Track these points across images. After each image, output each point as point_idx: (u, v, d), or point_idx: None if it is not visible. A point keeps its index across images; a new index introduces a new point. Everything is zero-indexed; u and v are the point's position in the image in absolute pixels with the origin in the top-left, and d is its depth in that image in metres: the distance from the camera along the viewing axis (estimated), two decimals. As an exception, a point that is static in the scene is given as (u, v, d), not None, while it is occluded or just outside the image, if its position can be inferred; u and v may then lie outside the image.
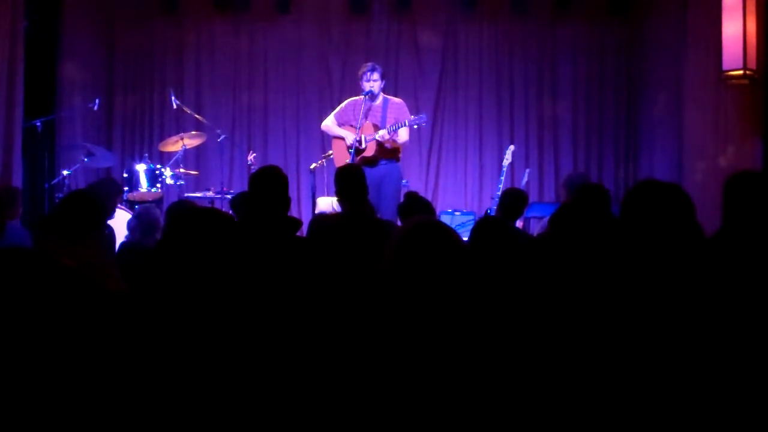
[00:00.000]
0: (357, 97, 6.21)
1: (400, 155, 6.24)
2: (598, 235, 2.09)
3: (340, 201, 3.98)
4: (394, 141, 6.03)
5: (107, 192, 5.18)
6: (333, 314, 2.48)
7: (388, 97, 6.29)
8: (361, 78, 6.15)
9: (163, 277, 1.79)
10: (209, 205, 7.30)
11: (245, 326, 1.80)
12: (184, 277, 1.77)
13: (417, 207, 4.38)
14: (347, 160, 5.91)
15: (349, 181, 3.93)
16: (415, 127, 6.22)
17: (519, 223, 7.33)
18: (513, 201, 4.82)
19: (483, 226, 3.24)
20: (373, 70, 6.11)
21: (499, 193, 6.95)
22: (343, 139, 6.13)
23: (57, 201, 3.10)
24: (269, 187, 3.28)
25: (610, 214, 2.27)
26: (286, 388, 1.72)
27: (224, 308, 1.78)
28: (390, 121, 6.06)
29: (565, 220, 2.16)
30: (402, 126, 6.01)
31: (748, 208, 2.54)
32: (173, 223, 1.86)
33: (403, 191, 6.18)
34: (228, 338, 1.74)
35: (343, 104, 6.38)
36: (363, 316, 1.82)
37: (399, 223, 4.80)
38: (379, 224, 3.92)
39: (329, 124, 6.33)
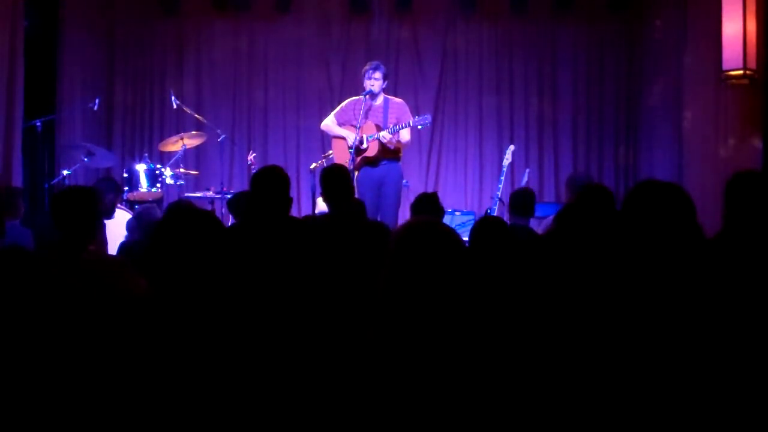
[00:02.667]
0: (357, 97, 6.20)
1: (401, 155, 6.23)
2: (605, 234, 2.09)
3: (325, 201, 3.98)
4: (398, 141, 6.03)
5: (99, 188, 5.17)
6: (326, 313, 2.48)
7: (389, 97, 6.28)
8: (364, 75, 6.14)
9: (153, 278, 1.80)
10: (209, 205, 7.31)
11: (243, 325, 1.79)
12: (171, 278, 1.76)
13: (427, 208, 4.41)
14: (347, 160, 5.91)
15: (334, 181, 3.93)
16: (419, 127, 6.22)
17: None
18: (524, 200, 4.84)
19: (483, 226, 3.25)
20: (376, 68, 6.10)
21: (499, 194, 6.96)
22: (343, 138, 6.12)
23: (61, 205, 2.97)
24: (271, 187, 3.28)
25: (616, 214, 2.27)
26: (284, 387, 1.72)
27: (216, 306, 1.77)
28: (391, 121, 6.05)
29: (572, 219, 2.16)
30: (405, 127, 6.00)
31: (749, 208, 2.53)
32: (160, 226, 1.86)
33: (404, 191, 6.18)
34: (223, 338, 1.74)
35: (343, 104, 6.37)
36: (356, 315, 1.82)
37: (400, 222, 4.80)
38: (366, 225, 3.91)
39: (329, 123, 6.31)
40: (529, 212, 4.81)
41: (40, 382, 1.75)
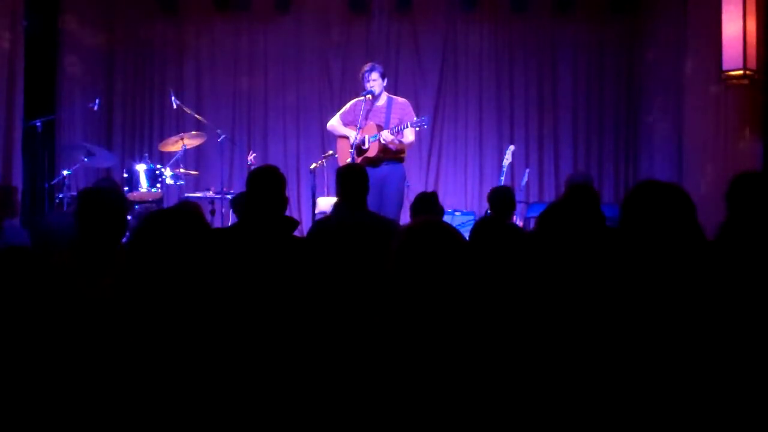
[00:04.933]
0: (361, 98, 6.20)
1: (404, 156, 6.21)
2: (587, 233, 2.09)
3: (342, 200, 3.95)
4: (401, 142, 6.00)
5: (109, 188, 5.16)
6: (333, 312, 2.48)
7: (393, 96, 6.26)
8: (362, 78, 6.14)
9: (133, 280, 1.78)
10: (210, 205, 7.30)
11: (237, 327, 1.79)
12: (153, 279, 1.76)
13: (427, 208, 4.39)
14: (348, 160, 5.90)
15: (350, 180, 3.91)
16: (417, 129, 6.21)
17: (519, 223, 7.35)
18: (504, 198, 4.78)
19: (483, 226, 3.24)
20: (372, 69, 6.10)
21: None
22: (347, 138, 6.13)
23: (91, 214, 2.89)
24: (266, 187, 3.28)
25: (600, 213, 2.26)
26: (284, 388, 1.72)
27: (205, 307, 1.77)
28: (394, 121, 6.04)
29: (553, 218, 2.15)
30: (404, 127, 5.98)
31: (752, 208, 2.53)
32: (139, 227, 1.84)
33: (406, 192, 6.17)
34: (216, 340, 1.74)
35: (348, 104, 6.37)
36: (364, 314, 1.82)
37: (402, 223, 4.79)
38: (380, 222, 3.91)
39: (335, 123, 6.31)
40: (512, 210, 4.75)
41: (38, 381, 1.75)
